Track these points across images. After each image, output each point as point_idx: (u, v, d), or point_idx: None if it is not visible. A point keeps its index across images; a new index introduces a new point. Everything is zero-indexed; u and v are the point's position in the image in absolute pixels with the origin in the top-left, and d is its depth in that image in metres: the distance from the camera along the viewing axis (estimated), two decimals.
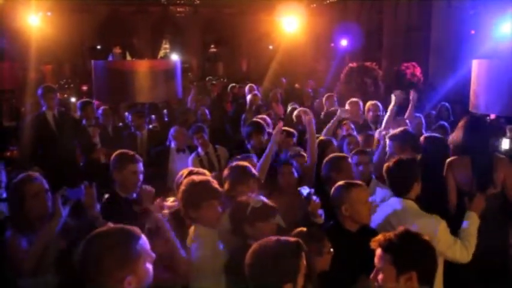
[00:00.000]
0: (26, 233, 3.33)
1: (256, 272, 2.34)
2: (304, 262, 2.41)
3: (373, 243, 2.41)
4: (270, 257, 2.32)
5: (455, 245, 3.41)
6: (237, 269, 2.90)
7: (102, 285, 2.07)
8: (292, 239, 2.46)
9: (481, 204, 3.64)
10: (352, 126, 6.34)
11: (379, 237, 2.42)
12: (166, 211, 3.49)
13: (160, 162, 6.23)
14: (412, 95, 6.26)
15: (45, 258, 3.20)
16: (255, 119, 6.00)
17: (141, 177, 3.97)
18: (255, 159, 4.67)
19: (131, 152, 4.06)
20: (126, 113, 8.22)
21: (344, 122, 6.45)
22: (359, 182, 3.47)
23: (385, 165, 3.69)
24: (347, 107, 7.10)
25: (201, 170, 4.21)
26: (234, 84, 13.95)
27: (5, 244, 3.32)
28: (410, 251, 2.35)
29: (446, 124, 6.92)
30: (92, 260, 2.08)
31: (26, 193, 3.40)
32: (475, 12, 15.31)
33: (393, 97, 5.88)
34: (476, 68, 6.15)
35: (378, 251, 2.39)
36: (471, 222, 3.54)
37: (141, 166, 3.99)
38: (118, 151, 4.10)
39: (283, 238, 2.44)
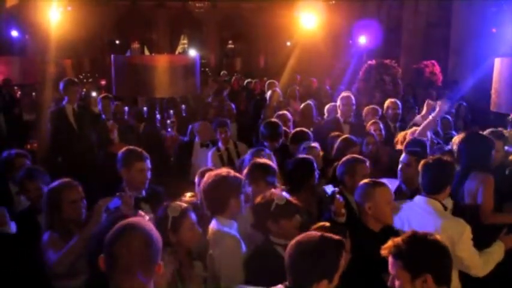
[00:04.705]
0: (62, 235, 3.40)
1: (296, 264, 2.39)
2: (343, 260, 2.45)
3: (383, 251, 2.42)
4: (313, 253, 2.37)
5: (475, 255, 3.38)
6: (258, 265, 2.91)
7: (137, 277, 2.09)
8: (335, 236, 2.49)
9: None
10: (381, 126, 6.27)
11: (389, 244, 2.42)
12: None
13: (184, 157, 6.26)
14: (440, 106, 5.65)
15: (80, 260, 3.22)
16: (272, 120, 5.97)
17: (148, 174, 3.96)
18: (266, 151, 4.67)
19: (138, 149, 4.04)
20: (145, 108, 8.28)
21: (374, 121, 6.38)
22: (384, 181, 3.44)
23: (423, 161, 3.66)
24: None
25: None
26: (249, 80, 13.97)
27: (42, 246, 3.40)
28: (420, 254, 2.34)
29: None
30: (131, 253, 2.08)
31: (64, 199, 3.48)
32: (496, 9, 15.06)
33: (440, 106, 5.56)
34: (499, 66, 6.06)
35: (390, 259, 2.40)
36: (497, 250, 3.51)
37: (148, 163, 3.97)
38: (125, 148, 4.09)
39: (327, 234, 2.48)
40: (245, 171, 3.89)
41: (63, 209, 3.47)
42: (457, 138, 4.61)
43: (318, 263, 2.37)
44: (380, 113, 7.22)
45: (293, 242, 2.45)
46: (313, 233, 2.50)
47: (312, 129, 6.35)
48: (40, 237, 3.48)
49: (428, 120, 5.55)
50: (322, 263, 2.37)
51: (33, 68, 12.10)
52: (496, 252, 3.49)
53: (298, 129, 5.85)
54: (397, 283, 2.37)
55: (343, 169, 4.12)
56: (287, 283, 2.44)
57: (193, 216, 3.05)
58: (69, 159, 6.60)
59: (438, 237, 2.41)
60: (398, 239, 2.41)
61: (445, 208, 3.53)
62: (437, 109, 5.57)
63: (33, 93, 10.86)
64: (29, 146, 7.32)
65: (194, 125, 6.70)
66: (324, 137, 6.04)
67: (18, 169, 4.63)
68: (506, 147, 5.03)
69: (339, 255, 2.43)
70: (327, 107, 7.61)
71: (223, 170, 3.46)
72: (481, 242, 3.50)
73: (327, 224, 2.78)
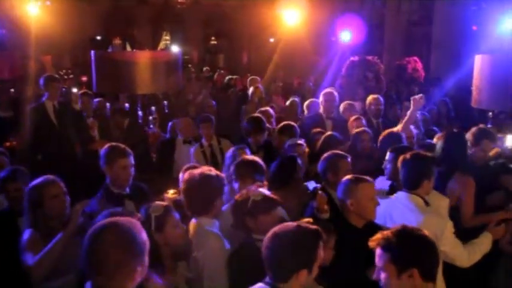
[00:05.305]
0: (44, 235, 3.34)
1: (274, 255, 2.40)
2: (322, 251, 2.46)
3: (371, 243, 2.40)
4: (290, 242, 2.38)
5: (458, 247, 3.42)
6: (241, 263, 2.88)
7: (115, 277, 2.05)
8: (312, 226, 2.49)
9: (502, 232, 3.63)
10: (364, 122, 6.28)
11: (378, 236, 2.41)
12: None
13: (167, 153, 6.21)
14: (416, 102, 5.55)
15: (64, 260, 3.17)
16: (255, 115, 5.96)
17: (132, 171, 3.91)
18: (248, 152, 4.67)
19: (121, 146, 3.98)
20: (127, 104, 8.19)
21: (356, 116, 6.40)
22: (367, 177, 3.42)
23: (402, 157, 3.67)
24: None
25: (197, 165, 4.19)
26: (231, 76, 13.94)
27: (21, 246, 3.33)
28: (409, 248, 2.33)
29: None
30: (108, 251, 2.04)
31: (45, 195, 3.43)
32: (477, 8, 15.24)
33: (412, 102, 5.56)
34: (479, 63, 6.12)
35: (377, 250, 2.39)
36: (484, 242, 3.53)
37: (131, 160, 3.91)
38: (107, 145, 4.03)
39: (303, 225, 2.48)
40: (232, 167, 3.86)
41: (45, 205, 3.42)
42: (438, 138, 4.63)
43: (296, 253, 2.37)
44: (357, 108, 7.26)
45: (270, 233, 2.46)
46: (289, 224, 2.50)
47: (298, 124, 6.38)
48: (18, 240, 3.41)
49: (407, 115, 5.59)
50: (300, 253, 2.38)
51: (10, 63, 11.87)
52: (484, 243, 3.52)
53: (286, 122, 5.86)
54: (383, 275, 2.36)
55: (325, 165, 4.11)
56: (267, 279, 2.43)
57: (176, 214, 3.02)
58: (49, 157, 6.49)
59: (427, 232, 2.41)
60: (387, 232, 2.40)
61: (427, 204, 3.53)
62: (412, 105, 5.57)
63: (11, 90, 10.67)
64: (7, 144, 7.18)
65: (175, 121, 6.64)
66: (306, 133, 6.05)
67: None
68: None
69: (317, 245, 2.44)
70: (306, 103, 7.62)
71: (205, 169, 3.41)
72: (466, 237, 3.54)
73: (310, 220, 2.76)
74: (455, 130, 4.94)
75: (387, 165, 4.19)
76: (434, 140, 4.70)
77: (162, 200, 3.66)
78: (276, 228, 2.46)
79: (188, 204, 3.32)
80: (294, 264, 2.37)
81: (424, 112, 7.56)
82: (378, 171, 4.35)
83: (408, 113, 5.61)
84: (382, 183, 4.26)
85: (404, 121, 5.58)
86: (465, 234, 3.63)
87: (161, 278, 2.74)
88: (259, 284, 2.44)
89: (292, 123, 5.80)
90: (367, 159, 5.04)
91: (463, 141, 4.58)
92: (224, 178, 3.45)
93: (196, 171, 3.35)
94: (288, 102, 8.31)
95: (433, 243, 2.39)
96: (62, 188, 3.54)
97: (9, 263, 3.48)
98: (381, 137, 5.16)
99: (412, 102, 5.56)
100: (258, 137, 5.45)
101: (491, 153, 4.99)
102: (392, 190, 4.07)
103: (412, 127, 5.83)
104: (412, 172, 3.57)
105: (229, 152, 4.63)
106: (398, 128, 5.74)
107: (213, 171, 3.38)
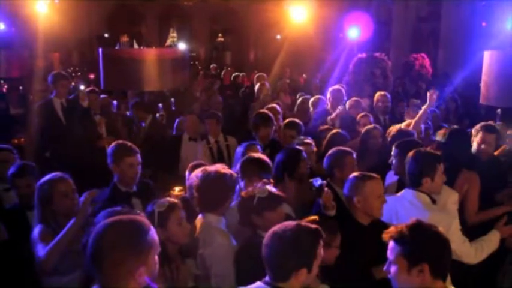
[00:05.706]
0: (54, 230, 3.35)
1: (273, 254, 2.40)
2: (322, 250, 2.45)
3: (385, 235, 2.39)
4: (289, 241, 2.38)
5: (465, 244, 3.41)
6: (247, 260, 2.89)
7: (114, 276, 2.04)
8: (311, 225, 2.49)
9: (510, 230, 3.59)
10: (371, 119, 6.26)
11: (391, 229, 2.40)
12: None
13: (173, 150, 6.22)
14: (431, 98, 5.52)
15: (71, 255, 3.18)
16: (263, 110, 5.95)
17: (139, 169, 3.91)
18: (259, 148, 4.65)
19: (128, 144, 3.98)
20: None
21: (364, 113, 6.37)
22: (374, 174, 3.41)
23: (408, 154, 3.65)
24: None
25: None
26: (237, 73, 13.94)
27: (32, 240, 3.36)
28: (422, 243, 2.31)
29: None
30: (105, 250, 2.03)
31: (55, 192, 3.46)
32: (486, 4, 15.13)
33: (428, 98, 5.52)
34: (488, 59, 6.09)
35: (390, 243, 2.38)
36: (492, 239, 3.51)
37: (138, 158, 3.91)
38: (115, 142, 4.03)
39: (303, 223, 2.48)
40: (238, 165, 3.86)
41: (54, 202, 3.44)
42: (440, 134, 4.61)
43: (296, 252, 2.37)
44: (363, 105, 7.23)
45: (269, 232, 2.46)
46: (289, 223, 2.50)
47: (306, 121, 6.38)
48: (29, 236, 3.44)
49: (421, 112, 5.56)
50: (299, 252, 2.38)
51: (20, 61, 11.94)
52: (491, 240, 3.50)
53: (290, 119, 5.86)
54: (393, 269, 2.35)
55: (331, 162, 4.11)
56: (266, 278, 2.44)
57: (181, 211, 3.01)
58: (57, 154, 6.53)
59: (441, 229, 2.39)
60: (402, 225, 2.39)
61: (434, 201, 3.52)
62: (428, 100, 5.56)
63: (20, 87, 10.74)
64: (16, 141, 7.22)
65: (182, 119, 6.65)
66: (314, 130, 6.04)
67: (3, 164, 4.54)
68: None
69: (316, 244, 2.43)
70: (312, 100, 7.60)
71: (219, 167, 3.39)
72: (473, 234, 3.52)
73: (312, 219, 2.75)
74: (456, 127, 4.88)
75: (393, 160, 4.18)
76: (437, 137, 4.68)
77: (169, 197, 3.67)
78: (275, 227, 2.46)
79: (200, 201, 3.32)
80: (294, 264, 2.37)
81: (434, 109, 7.52)
82: (387, 168, 4.34)
83: (422, 109, 5.57)
84: (392, 178, 4.26)
85: (418, 116, 5.53)
86: (471, 231, 3.61)
87: (164, 279, 2.73)
88: (258, 283, 2.44)
89: (297, 120, 5.79)
90: (377, 155, 5.02)
91: (465, 138, 4.56)
92: (236, 176, 3.45)
93: (212, 169, 3.33)
94: (298, 100, 8.29)
95: (447, 241, 2.37)
96: (71, 186, 3.56)
97: (20, 258, 3.50)
98: (391, 134, 5.14)
99: (428, 98, 5.53)
100: (265, 132, 5.40)
101: (499, 150, 4.97)
102: (400, 185, 4.06)
103: None
104: (412, 169, 3.57)
105: (240, 148, 4.61)
106: (407, 123, 5.70)
107: (228, 170, 3.37)
